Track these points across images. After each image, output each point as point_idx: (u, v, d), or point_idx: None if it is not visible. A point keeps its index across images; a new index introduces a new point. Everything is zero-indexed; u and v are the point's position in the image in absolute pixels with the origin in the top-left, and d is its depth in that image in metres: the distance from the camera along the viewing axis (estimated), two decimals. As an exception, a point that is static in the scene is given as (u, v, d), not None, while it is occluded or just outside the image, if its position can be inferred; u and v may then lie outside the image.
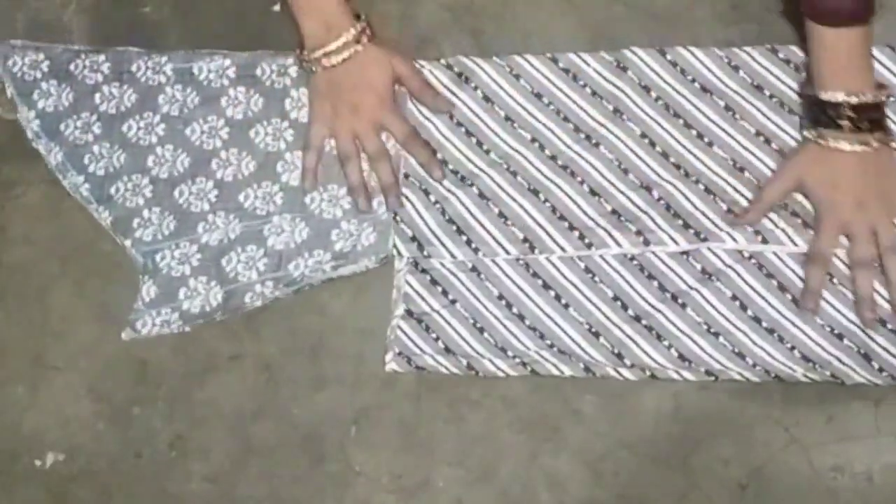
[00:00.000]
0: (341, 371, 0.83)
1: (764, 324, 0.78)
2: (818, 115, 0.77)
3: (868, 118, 0.76)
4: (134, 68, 0.91)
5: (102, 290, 0.87)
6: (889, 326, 0.76)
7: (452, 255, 0.83)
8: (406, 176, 0.85)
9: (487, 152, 0.85)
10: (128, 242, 0.86)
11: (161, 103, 0.90)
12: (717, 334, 0.78)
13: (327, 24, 0.84)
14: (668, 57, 0.85)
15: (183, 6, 0.95)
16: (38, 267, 0.88)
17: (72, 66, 0.91)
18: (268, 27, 0.92)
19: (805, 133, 0.79)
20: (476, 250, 0.82)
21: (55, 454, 0.84)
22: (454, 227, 0.83)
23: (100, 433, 0.84)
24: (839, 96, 0.75)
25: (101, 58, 0.91)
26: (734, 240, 0.79)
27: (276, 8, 0.93)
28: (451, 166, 0.85)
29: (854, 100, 0.75)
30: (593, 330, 0.79)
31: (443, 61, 0.88)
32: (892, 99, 0.80)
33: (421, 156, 0.85)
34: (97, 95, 0.90)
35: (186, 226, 0.86)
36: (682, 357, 0.78)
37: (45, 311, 0.87)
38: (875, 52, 0.80)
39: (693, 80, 0.84)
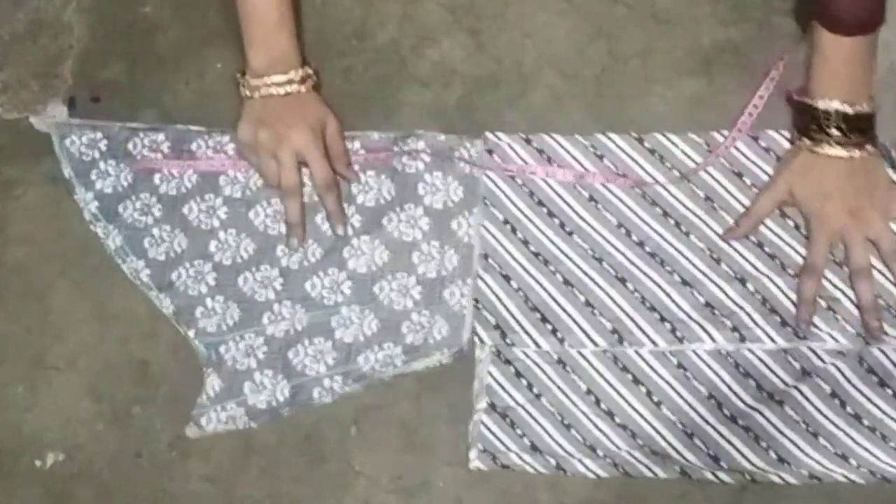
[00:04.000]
0: (341, 371, 0.83)
1: (865, 422, 0.74)
2: (808, 122, 0.77)
3: (859, 128, 0.76)
4: (193, 147, 0.87)
5: (102, 290, 0.87)
6: None
7: (537, 345, 0.79)
8: (485, 257, 0.82)
9: (570, 234, 0.81)
10: (191, 333, 0.83)
11: (222, 185, 0.86)
12: (816, 434, 0.74)
13: (276, 59, 0.83)
14: (761, 142, 0.82)
15: (183, 6, 0.95)
16: (38, 267, 0.88)
17: (130, 145, 0.88)
18: (268, 27, 0.92)
19: (796, 142, 0.79)
20: (562, 340, 0.79)
21: (55, 454, 0.84)
22: (538, 315, 0.79)
23: (100, 433, 0.84)
24: (834, 104, 0.75)
25: (161, 136, 0.88)
26: (835, 339, 0.76)
27: (276, 8, 0.92)
28: (532, 248, 0.81)
29: (849, 110, 0.75)
30: (688, 430, 0.75)
31: (521, 135, 0.85)
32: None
33: (330, 204, 0.82)
34: (157, 176, 0.87)
35: (251, 316, 0.83)
36: (781, 459, 0.74)
37: (45, 311, 0.87)
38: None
39: None
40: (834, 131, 0.76)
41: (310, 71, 0.84)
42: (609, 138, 0.83)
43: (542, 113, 0.87)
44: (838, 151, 0.76)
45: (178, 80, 0.92)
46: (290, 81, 0.83)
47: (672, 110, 0.85)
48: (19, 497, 0.83)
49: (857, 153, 0.76)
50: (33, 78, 0.94)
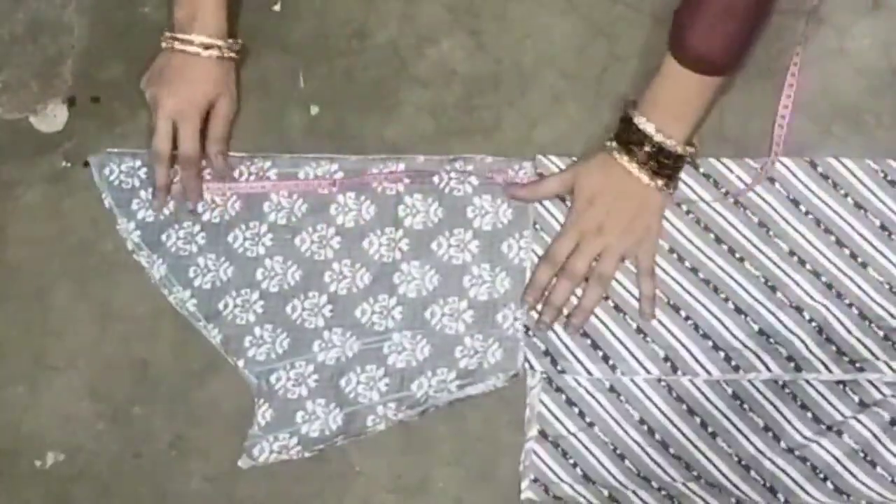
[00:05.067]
0: (341, 371, 0.83)
1: None
2: (625, 133, 0.77)
3: (659, 161, 0.76)
4: (236, 174, 0.86)
5: (102, 290, 0.87)
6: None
7: (588, 372, 0.77)
8: None
9: (622, 259, 0.80)
10: (240, 363, 0.82)
11: (266, 211, 0.84)
12: (873, 463, 0.73)
13: (194, 18, 0.83)
14: (819, 169, 0.80)
15: (183, 6, 0.94)
16: (38, 267, 0.88)
17: (170, 173, 0.86)
18: (268, 27, 0.92)
19: (606, 143, 0.78)
20: (613, 368, 0.77)
21: (55, 454, 0.84)
22: (588, 342, 0.78)
23: (100, 433, 0.84)
24: (649, 128, 0.75)
25: (202, 163, 0.86)
26: (893, 371, 0.74)
27: (277, 8, 0.92)
28: None
29: (659, 139, 0.75)
30: (743, 462, 0.74)
31: (573, 158, 0.82)
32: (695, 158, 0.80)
33: (185, 179, 0.84)
34: (199, 203, 0.85)
35: (301, 344, 0.82)
36: (839, 490, 0.73)
37: (45, 311, 0.87)
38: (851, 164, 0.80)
39: (846, 195, 0.79)
40: (638, 150, 0.76)
41: (220, 42, 0.83)
42: None
43: (542, 113, 0.87)
44: (633, 169, 0.76)
45: (178, 80, 0.92)
46: (193, 42, 0.82)
47: (672, 110, 0.85)
48: (19, 497, 0.83)
49: (647, 181, 0.76)
50: (33, 78, 0.94)
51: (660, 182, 0.77)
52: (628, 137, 0.76)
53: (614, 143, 0.78)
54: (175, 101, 0.82)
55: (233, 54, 0.85)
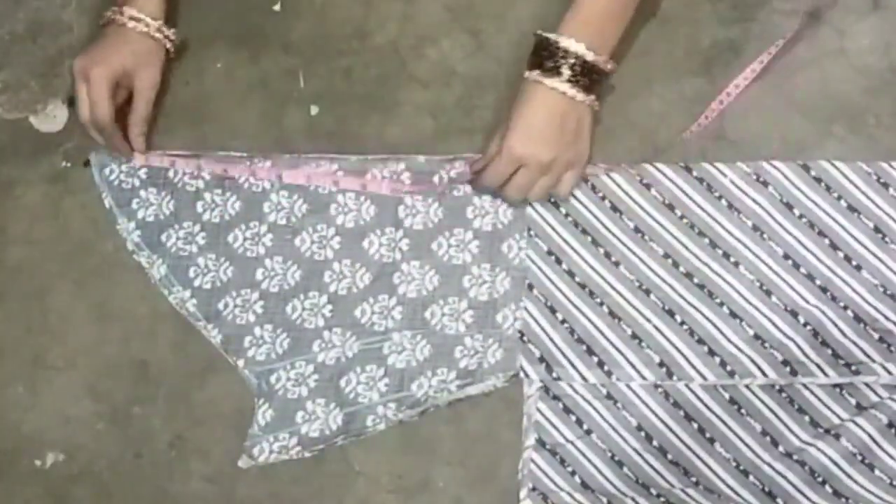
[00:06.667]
0: (341, 371, 0.83)
1: None
2: (544, 59, 0.77)
3: (589, 78, 0.77)
4: (235, 174, 0.86)
5: (102, 290, 0.87)
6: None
7: (583, 378, 0.77)
8: (530, 287, 0.81)
9: (616, 265, 0.80)
10: (240, 362, 0.82)
11: (266, 211, 0.84)
12: (872, 466, 0.73)
13: None
14: (812, 172, 0.80)
15: (183, 6, 0.94)
16: (38, 267, 0.88)
17: (170, 173, 0.87)
18: (268, 27, 0.92)
19: (525, 75, 0.78)
20: (609, 373, 0.76)
21: (55, 454, 0.84)
22: (584, 347, 0.77)
23: (100, 433, 0.84)
24: (579, 47, 0.76)
25: (201, 163, 0.87)
26: (889, 373, 0.74)
27: (277, 7, 0.93)
28: (577, 279, 0.80)
29: (590, 56, 0.76)
30: (741, 468, 0.74)
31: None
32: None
33: (109, 144, 0.86)
34: (199, 203, 0.86)
35: (301, 344, 0.81)
36: (837, 494, 0.73)
37: (45, 311, 0.87)
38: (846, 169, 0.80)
39: (839, 198, 0.79)
40: (566, 70, 0.76)
41: (149, 20, 0.84)
42: (656, 168, 0.82)
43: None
44: (566, 88, 0.76)
45: (178, 80, 0.92)
46: (123, 14, 0.83)
47: (672, 110, 0.85)
48: (19, 497, 0.83)
49: (582, 97, 0.77)
50: (33, 78, 0.94)
51: (591, 97, 0.78)
52: (553, 61, 0.76)
53: (536, 72, 0.77)
54: (86, 62, 0.82)
55: (161, 37, 0.86)
